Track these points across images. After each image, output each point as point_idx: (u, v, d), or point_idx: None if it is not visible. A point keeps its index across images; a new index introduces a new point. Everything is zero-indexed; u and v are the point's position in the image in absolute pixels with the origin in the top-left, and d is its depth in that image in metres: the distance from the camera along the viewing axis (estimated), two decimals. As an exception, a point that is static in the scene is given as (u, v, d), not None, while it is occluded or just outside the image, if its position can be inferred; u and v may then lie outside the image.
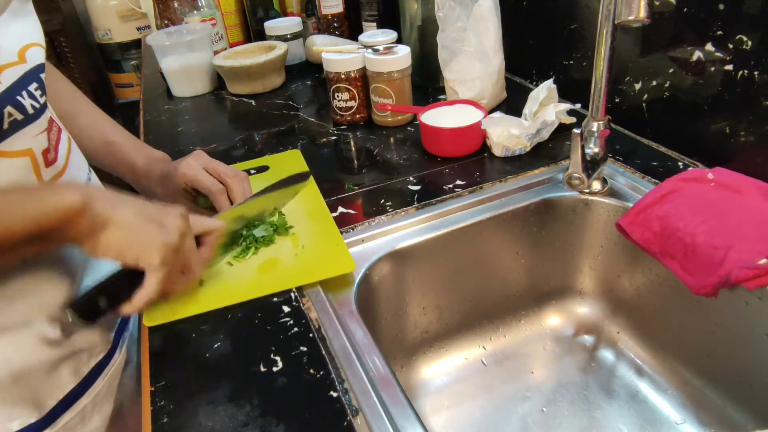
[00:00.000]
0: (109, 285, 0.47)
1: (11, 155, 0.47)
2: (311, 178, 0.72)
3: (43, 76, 0.51)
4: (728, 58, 0.61)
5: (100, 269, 0.60)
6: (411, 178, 0.72)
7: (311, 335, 0.49)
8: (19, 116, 0.47)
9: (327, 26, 1.20)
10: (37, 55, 0.50)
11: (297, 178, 0.68)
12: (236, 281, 0.55)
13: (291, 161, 0.78)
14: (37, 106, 0.49)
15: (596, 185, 0.66)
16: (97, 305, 0.47)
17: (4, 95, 0.46)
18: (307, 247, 0.59)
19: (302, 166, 0.76)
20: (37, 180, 0.50)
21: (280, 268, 0.57)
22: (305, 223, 0.63)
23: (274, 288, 0.54)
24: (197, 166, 0.63)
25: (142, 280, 0.47)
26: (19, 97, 0.47)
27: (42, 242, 0.42)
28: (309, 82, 1.14)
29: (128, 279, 0.47)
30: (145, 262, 0.45)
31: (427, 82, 1.00)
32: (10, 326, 0.50)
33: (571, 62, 0.85)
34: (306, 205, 0.67)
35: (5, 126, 0.46)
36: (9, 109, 0.46)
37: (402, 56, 0.81)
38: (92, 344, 0.57)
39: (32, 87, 0.49)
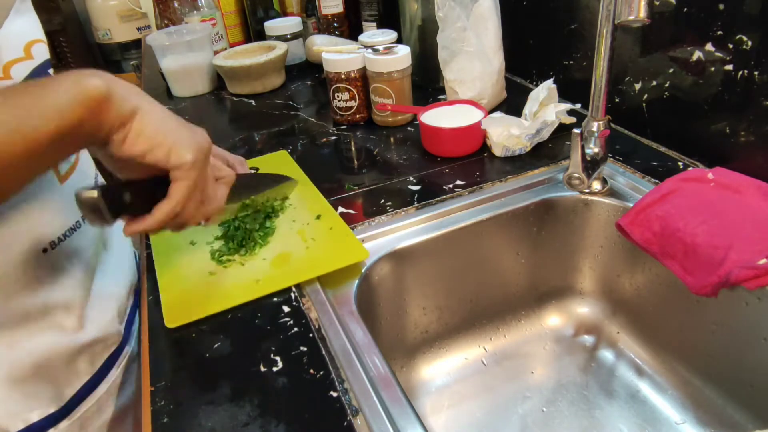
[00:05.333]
0: (137, 185, 0.44)
1: None
2: (307, 179, 0.73)
3: (51, 71, 0.52)
4: (728, 58, 0.61)
5: (114, 263, 0.63)
6: (411, 178, 0.72)
7: (311, 335, 0.49)
8: None
9: (327, 26, 1.20)
10: (42, 51, 0.52)
11: (283, 179, 0.69)
12: (253, 277, 0.56)
13: (280, 162, 0.79)
14: None
15: (596, 185, 0.66)
16: (122, 198, 0.43)
17: None
18: (317, 240, 0.60)
19: (292, 167, 0.76)
20: (55, 173, 0.51)
21: (294, 262, 0.57)
22: (311, 219, 0.64)
23: (292, 281, 0.54)
24: None
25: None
26: None
27: (68, 143, 0.39)
28: (309, 82, 1.14)
29: (153, 190, 0.44)
30: (177, 156, 0.41)
31: (427, 82, 1.00)
32: (30, 318, 0.51)
33: (571, 62, 0.85)
34: (307, 202, 0.67)
35: None
36: None
37: (402, 56, 0.81)
38: (106, 335, 0.59)
39: None
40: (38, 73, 0.50)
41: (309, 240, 0.60)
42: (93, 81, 0.38)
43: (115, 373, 0.60)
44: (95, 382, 0.57)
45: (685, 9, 0.64)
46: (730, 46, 0.60)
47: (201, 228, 0.65)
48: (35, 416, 0.52)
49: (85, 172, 0.57)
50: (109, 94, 0.38)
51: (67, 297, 0.54)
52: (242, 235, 0.60)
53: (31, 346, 0.51)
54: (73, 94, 0.37)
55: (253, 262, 0.58)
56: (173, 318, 0.51)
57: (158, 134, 0.40)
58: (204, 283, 0.56)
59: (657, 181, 0.65)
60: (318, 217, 0.64)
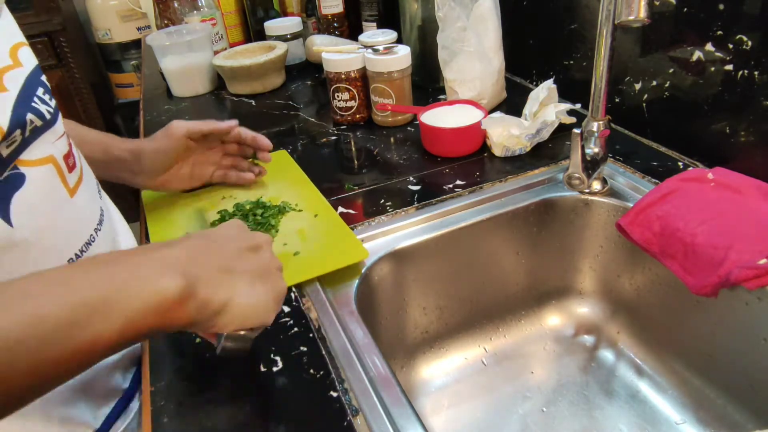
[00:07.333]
0: None
1: (35, 164, 0.45)
2: (307, 179, 0.73)
3: (43, 78, 0.50)
4: (728, 58, 0.60)
5: None
6: (411, 178, 0.72)
7: (311, 335, 0.49)
8: (38, 122, 0.45)
9: (327, 26, 1.20)
10: (30, 57, 0.49)
11: None
12: None
13: (280, 162, 0.78)
14: (51, 110, 0.48)
15: (596, 185, 0.66)
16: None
17: (21, 102, 0.44)
18: (318, 239, 0.60)
19: (292, 167, 0.77)
20: (63, 186, 0.47)
21: (294, 261, 0.57)
22: (310, 218, 0.64)
23: (292, 281, 0.54)
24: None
25: None
26: (33, 104, 0.45)
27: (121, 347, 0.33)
28: (309, 82, 1.14)
29: None
30: (265, 323, 0.40)
31: (427, 82, 1.00)
32: None
33: (571, 62, 0.85)
34: (307, 201, 0.67)
35: (27, 134, 0.44)
36: (30, 116, 0.44)
37: (402, 56, 0.81)
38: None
39: (40, 92, 0.47)
40: (33, 81, 0.47)
41: (309, 239, 0.60)
42: (171, 282, 0.32)
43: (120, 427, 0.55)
44: (130, 397, 0.54)
45: (685, 9, 0.64)
46: (730, 46, 0.60)
47: (198, 225, 0.65)
48: None
49: (89, 182, 0.54)
50: (189, 294, 0.33)
51: None
52: None
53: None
54: (147, 299, 0.31)
55: None
56: None
57: (246, 318, 0.38)
58: None
59: (657, 181, 0.65)
60: (316, 215, 0.64)
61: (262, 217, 0.64)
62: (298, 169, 0.76)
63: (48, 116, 0.47)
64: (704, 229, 0.53)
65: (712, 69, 0.63)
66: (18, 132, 0.43)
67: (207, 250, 0.38)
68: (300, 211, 0.66)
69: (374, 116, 0.88)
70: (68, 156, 0.49)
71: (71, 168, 0.49)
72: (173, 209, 0.69)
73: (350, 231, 0.61)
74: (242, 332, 0.38)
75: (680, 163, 0.68)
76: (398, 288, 0.64)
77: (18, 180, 0.43)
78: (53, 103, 0.49)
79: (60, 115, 0.51)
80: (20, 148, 0.43)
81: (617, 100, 0.77)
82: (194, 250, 0.37)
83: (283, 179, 0.73)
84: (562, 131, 0.77)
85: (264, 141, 0.70)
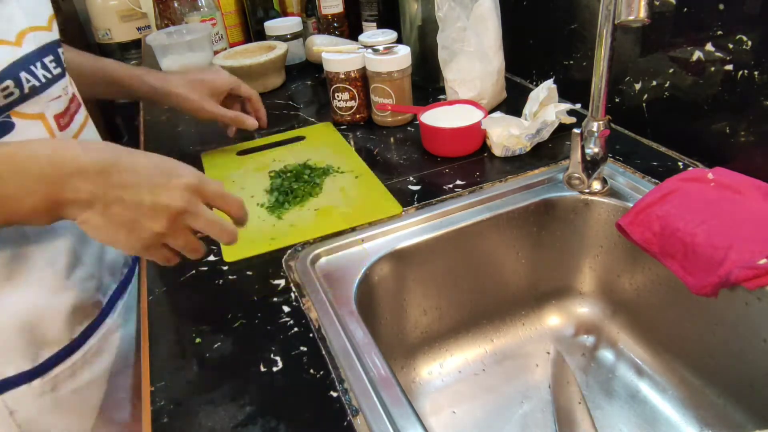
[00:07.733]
0: None
1: (26, 117, 0.51)
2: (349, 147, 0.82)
3: (60, 51, 0.56)
4: (728, 58, 0.61)
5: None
6: (411, 178, 0.72)
7: (311, 335, 0.49)
8: (35, 83, 0.51)
9: (327, 26, 1.20)
10: (57, 29, 0.56)
11: None
12: (300, 222, 0.64)
13: (325, 133, 0.87)
14: (49, 76, 0.53)
15: (596, 185, 0.66)
16: None
17: (22, 62, 0.50)
18: (355, 197, 0.68)
19: (337, 139, 0.84)
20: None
21: (337, 214, 0.65)
22: (351, 180, 0.72)
23: (339, 226, 0.63)
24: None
25: None
26: (32, 67, 0.51)
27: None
28: (309, 82, 1.14)
29: None
30: (121, 248, 0.45)
31: (427, 82, 1.00)
32: (15, 272, 0.54)
33: (571, 62, 0.85)
34: (348, 165, 0.76)
35: (26, 90, 0.50)
36: (24, 75, 0.50)
37: (402, 56, 0.81)
38: (85, 304, 0.61)
39: (48, 59, 0.53)
40: (48, 49, 0.53)
41: (350, 196, 0.69)
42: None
43: (91, 343, 0.61)
44: (72, 349, 0.59)
45: (685, 9, 0.64)
46: (730, 46, 0.60)
47: (255, 182, 0.74)
48: (11, 370, 0.55)
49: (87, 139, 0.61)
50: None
51: (53, 254, 0.56)
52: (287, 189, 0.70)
53: (16, 299, 0.53)
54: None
55: (301, 212, 0.66)
56: (232, 252, 0.59)
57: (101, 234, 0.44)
58: (261, 226, 0.64)
59: (657, 181, 0.65)
60: (356, 177, 0.73)
61: (309, 177, 0.72)
62: (341, 139, 0.84)
63: (43, 80, 0.53)
64: (704, 229, 0.53)
65: (712, 69, 0.63)
66: (12, 84, 0.48)
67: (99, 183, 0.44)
68: (342, 173, 0.74)
69: (374, 116, 0.88)
70: (61, 116, 0.55)
71: (63, 127, 0.55)
72: (229, 169, 0.79)
73: (386, 190, 0.68)
74: None
75: (680, 163, 0.68)
76: (398, 288, 0.64)
77: (7, 127, 0.49)
78: (56, 71, 0.55)
79: (61, 81, 0.56)
80: (18, 101, 0.49)
81: (617, 100, 0.77)
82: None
83: (327, 147, 0.82)
84: (562, 131, 0.77)
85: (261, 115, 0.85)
